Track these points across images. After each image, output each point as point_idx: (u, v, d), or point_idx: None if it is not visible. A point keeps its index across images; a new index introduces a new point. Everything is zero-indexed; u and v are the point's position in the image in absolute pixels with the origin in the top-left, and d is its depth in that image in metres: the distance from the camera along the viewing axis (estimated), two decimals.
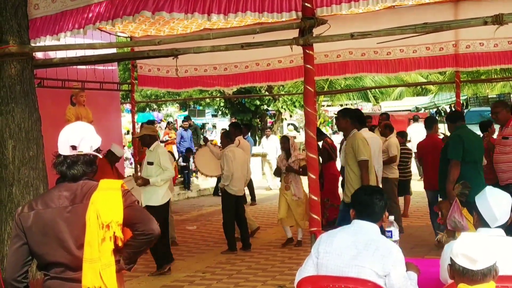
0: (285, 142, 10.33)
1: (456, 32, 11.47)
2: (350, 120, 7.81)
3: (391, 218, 4.52)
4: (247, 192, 12.99)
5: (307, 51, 6.31)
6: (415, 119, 20.20)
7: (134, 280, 8.30)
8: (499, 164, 8.07)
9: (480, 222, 3.86)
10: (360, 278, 3.80)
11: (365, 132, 8.35)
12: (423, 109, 30.90)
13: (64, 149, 3.39)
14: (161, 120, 20.68)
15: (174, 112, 50.39)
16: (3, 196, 6.19)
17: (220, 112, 33.12)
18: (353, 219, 4.15)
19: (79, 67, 12.66)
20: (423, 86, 32.41)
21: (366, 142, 7.64)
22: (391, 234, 4.49)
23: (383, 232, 4.28)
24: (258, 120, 27.19)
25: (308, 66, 6.32)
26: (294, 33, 6.41)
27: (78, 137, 3.40)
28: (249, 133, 18.79)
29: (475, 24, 5.62)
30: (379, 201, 4.12)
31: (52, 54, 10.45)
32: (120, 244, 3.31)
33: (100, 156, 3.57)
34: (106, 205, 3.24)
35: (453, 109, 17.72)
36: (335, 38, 6.24)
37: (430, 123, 10.28)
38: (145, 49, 8.67)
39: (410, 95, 34.70)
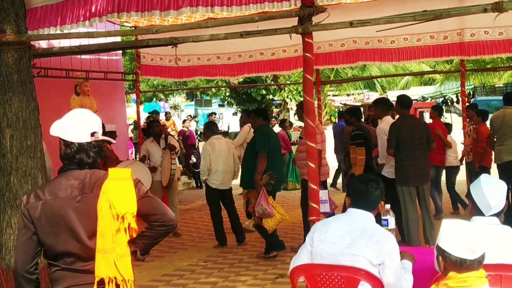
0: None
1: (461, 21, 11.38)
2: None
3: (387, 206, 4.50)
4: None
5: (306, 40, 6.24)
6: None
7: (136, 269, 8.27)
8: (297, 160, 9.11)
9: (475, 210, 3.82)
10: (353, 266, 3.79)
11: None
12: (429, 99, 30.76)
13: (80, 136, 3.30)
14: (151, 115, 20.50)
15: (181, 102, 50.45)
16: (1, 185, 6.17)
17: (226, 102, 33.10)
18: (349, 207, 4.13)
19: (83, 56, 12.64)
20: (430, 76, 32.24)
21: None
22: (387, 223, 4.46)
23: (379, 220, 4.27)
24: None
25: (307, 54, 6.25)
26: (294, 21, 6.37)
27: (97, 122, 3.37)
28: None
29: (475, 11, 5.55)
30: (374, 190, 4.09)
31: (55, 43, 10.44)
32: (134, 235, 3.27)
33: (114, 141, 3.56)
34: (119, 195, 3.18)
35: (459, 98, 17.70)
36: (334, 26, 6.17)
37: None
38: (146, 38, 8.67)
39: (417, 84, 34.51)
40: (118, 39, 10.73)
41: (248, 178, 8.64)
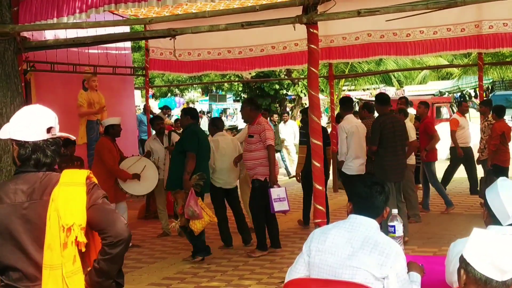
0: None
1: (479, 12, 11.03)
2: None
3: (395, 211, 4.10)
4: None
5: (311, 30, 5.90)
6: None
7: (136, 271, 7.98)
8: (245, 161, 8.71)
9: (491, 218, 3.37)
10: (352, 282, 3.39)
11: None
12: (447, 93, 30.18)
13: (34, 134, 2.95)
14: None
15: (197, 97, 50.28)
16: None
17: (239, 97, 32.72)
18: (350, 213, 3.73)
19: (90, 51, 12.40)
20: (448, 70, 31.65)
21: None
22: (394, 230, 4.04)
23: (384, 228, 3.87)
24: (277, 104, 26.69)
25: (312, 46, 5.92)
26: (298, 11, 6.03)
27: (52, 117, 3.02)
28: (269, 118, 18.39)
29: None
30: (379, 195, 3.68)
31: (61, 35, 10.10)
32: (83, 249, 2.88)
33: (73, 137, 3.24)
34: (67, 204, 2.81)
35: (477, 93, 17.27)
36: (341, 15, 5.81)
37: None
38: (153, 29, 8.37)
39: (435, 79, 33.91)
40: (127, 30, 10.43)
41: (175, 179, 8.29)
